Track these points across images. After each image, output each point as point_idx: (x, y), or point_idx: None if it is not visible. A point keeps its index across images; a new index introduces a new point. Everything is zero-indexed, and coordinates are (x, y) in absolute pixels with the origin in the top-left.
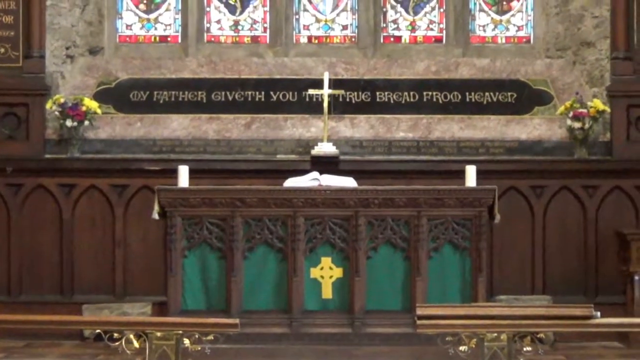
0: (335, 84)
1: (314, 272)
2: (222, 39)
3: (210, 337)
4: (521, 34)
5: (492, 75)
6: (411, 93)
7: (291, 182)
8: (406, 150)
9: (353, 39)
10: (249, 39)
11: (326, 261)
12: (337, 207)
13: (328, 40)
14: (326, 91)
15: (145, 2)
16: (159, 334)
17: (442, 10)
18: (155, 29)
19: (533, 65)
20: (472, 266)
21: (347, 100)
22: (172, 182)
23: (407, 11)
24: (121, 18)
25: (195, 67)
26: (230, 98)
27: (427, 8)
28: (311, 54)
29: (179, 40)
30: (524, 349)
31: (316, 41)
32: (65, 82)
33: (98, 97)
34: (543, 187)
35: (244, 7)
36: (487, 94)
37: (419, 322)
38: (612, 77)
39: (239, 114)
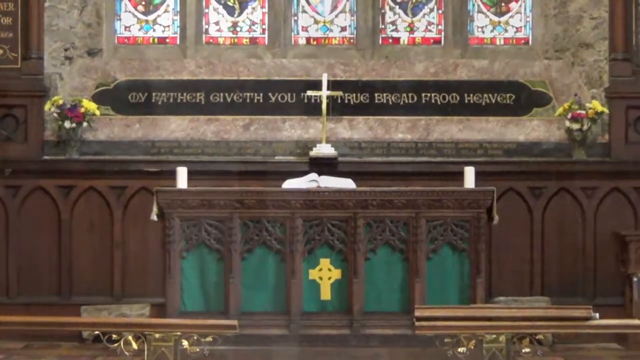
0: (333, 85)
1: (313, 274)
2: (221, 41)
3: (209, 339)
4: (520, 35)
5: (490, 77)
6: (410, 94)
7: (290, 184)
8: (405, 151)
9: (351, 41)
10: (247, 40)
11: (325, 262)
12: (336, 209)
13: (326, 41)
14: (325, 92)
15: (143, 3)
16: (157, 335)
17: (440, 11)
18: (154, 30)
19: (531, 66)
20: (470, 267)
21: (346, 101)
22: (170, 183)
23: (405, 12)
24: (120, 19)
25: (193, 68)
26: (228, 99)
27: (426, 9)
28: (310, 56)
29: (178, 42)
30: (523, 350)
31: (315, 42)
32: (63, 84)
33: (96, 98)
34: (541, 189)
35: (242, 8)
36: (485, 95)
37: (417, 323)
38: (610, 78)
39: (238, 115)
